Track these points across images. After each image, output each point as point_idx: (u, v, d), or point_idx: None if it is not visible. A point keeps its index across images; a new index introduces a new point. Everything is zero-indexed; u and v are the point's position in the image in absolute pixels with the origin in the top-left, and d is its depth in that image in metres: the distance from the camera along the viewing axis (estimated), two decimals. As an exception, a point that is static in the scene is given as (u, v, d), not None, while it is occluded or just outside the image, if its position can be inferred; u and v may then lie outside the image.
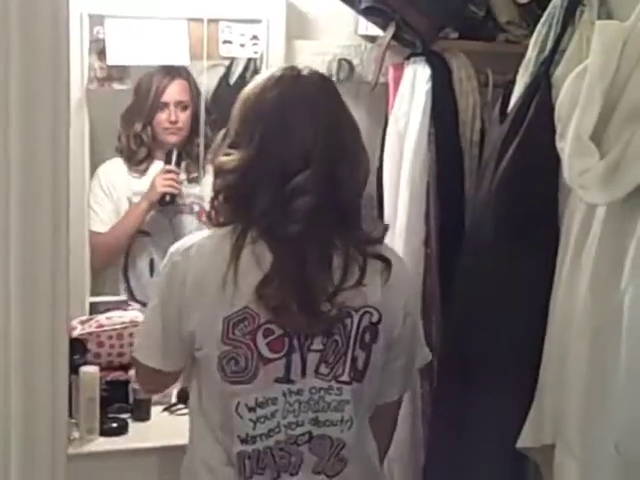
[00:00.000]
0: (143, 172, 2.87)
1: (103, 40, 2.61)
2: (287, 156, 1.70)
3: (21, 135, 1.80)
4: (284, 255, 1.69)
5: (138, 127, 2.82)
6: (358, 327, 1.75)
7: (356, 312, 1.75)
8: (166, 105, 2.81)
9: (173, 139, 2.85)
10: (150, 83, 2.80)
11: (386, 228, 1.88)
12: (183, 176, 2.87)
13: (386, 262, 1.78)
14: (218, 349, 1.72)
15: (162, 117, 2.82)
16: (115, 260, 2.87)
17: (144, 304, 2.79)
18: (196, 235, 1.83)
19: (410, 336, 1.86)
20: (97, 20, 2.60)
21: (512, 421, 1.85)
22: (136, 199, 2.85)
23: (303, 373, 1.74)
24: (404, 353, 1.87)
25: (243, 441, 1.74)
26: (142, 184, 2.85)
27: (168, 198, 2.83)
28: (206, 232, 1.81)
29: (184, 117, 2.83)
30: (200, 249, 1.76)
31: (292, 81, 1.77)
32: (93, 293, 2.74)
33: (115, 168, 2.87)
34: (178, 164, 2.84)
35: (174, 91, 2.82)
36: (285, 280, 1.68)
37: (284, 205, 1.69)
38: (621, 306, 1.57)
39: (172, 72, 2.80)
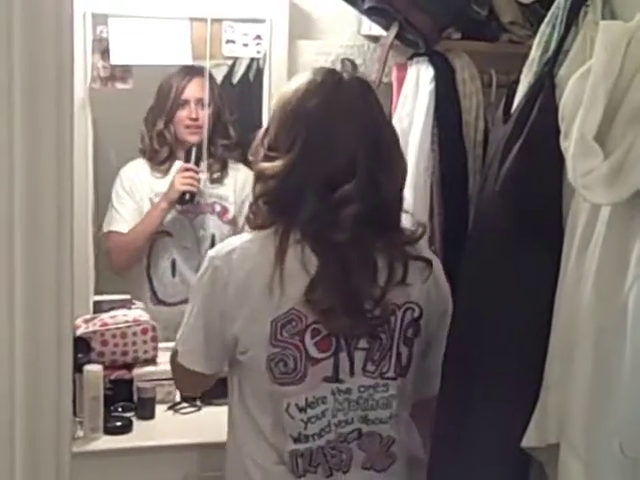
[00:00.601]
0: (165, 172, 2.89)
1: (106, 39, 2.62)
2: (332, 164, 1.73)
3: (25, 135, 1.80)
4: (330, 260, 1.73)
5: (160, 126, 2.87)
6: (402, 324, 1.82)
7: (399, 309, 1.81)
8: (187, 102, 2.83)
9: (194, 138, 2.87)
10: (170, 82, 2.83)
11: (424, 229, 1.91)
12: (204, 175, 2.88)
13: (426, 261, 1.85)
14: (266, 351, 1.75)
15: (183, 114, 2.86)
16: (137, 260, 2.89)
17: (166, 304, 2.83)
18: (236, 239, 1.84)
19: (445, 332, 1.92)
20: (100, 19, 2.61)
21: (516, 420, 1.84)
22: (158, 199, 2.86)
23: (351, 372, 1.79)
24: (440, 345, 1.92)
25: (296, 440, 1.78)
26: (164, 184, 2.86)
27: (188, 197, 2.84)
28: (246, 235, 1.83)
29: (205, 115, 2.85)
30: (242, 252, 1.77)
31: (334, 88, 1.79)
32: (117, 293, 2.76)
33: (138, 169, 2.90)
34: (197, 163, 2.85)
35: (194, 89, 2.85)
36: (332, 285, 1.72)
37: (332, 212, 1.72)
38: (625, 306, 1.57)
39: (192, 71, 2.82)
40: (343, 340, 1.77)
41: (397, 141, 1.85)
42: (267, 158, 1.79)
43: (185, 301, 2.76)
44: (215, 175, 2.91)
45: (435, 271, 1.88)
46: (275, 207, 1.79)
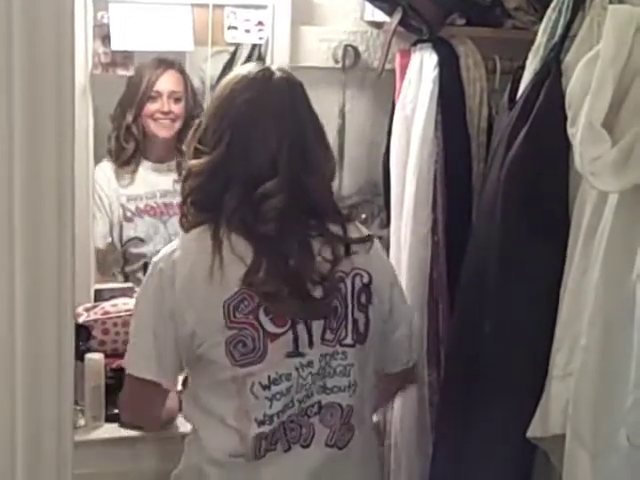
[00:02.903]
0: (132, 174, 2.83)
1: (107, 25, 2.59)
2: (255, 162, 1.78)
3: (25, 121, 1.77)
4: (263, 249, 1.76)
5: (129, 119, 2.79)
6: (353, 289, 1.83)
7: (347, 275, 1.82)
8: (159, 95, 2.78)
9: (164, 132, 2.82)
10: (142, 73, 2.77)
11: (353, 211, 2.06)
12: (174, 175, 2.83)
13: (366, 239, 1.88)
14: (223, 335, 1.74)
15: (154, 107, 2.79)
16: None
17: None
18: (175, 241, 1.86)
19: (403, 306, 1.98)
20: (101, 5, 2.58)
21: (521, 410, 1.84)
22: (130, 205, 2.83)
23: (310, 343, 1.78)
24: (403, 322, 1.97)
25: (261, 423, 1.76)
26: (132, 188, 2.82)
27: None
28: (183, 236, 1.85)
29: (177, 109, 2.80)
30: (182, 251, 1.80)
31: (262, 86, 1.82)
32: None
33: (105, 175, 2.83)
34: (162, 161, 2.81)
35: (168, 81, 2.80)
36: (272, 270, 1.74)
37: (254, 206, 1.76)
38: (633, 295, 1.56)
39: (166, 63, 2.79)
40: None
41: (323, 138, 1.88)
42: (197, 152, 1.83)
43: None
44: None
45: (375, 244, 1.92)
46: (202, 205, 1.82)
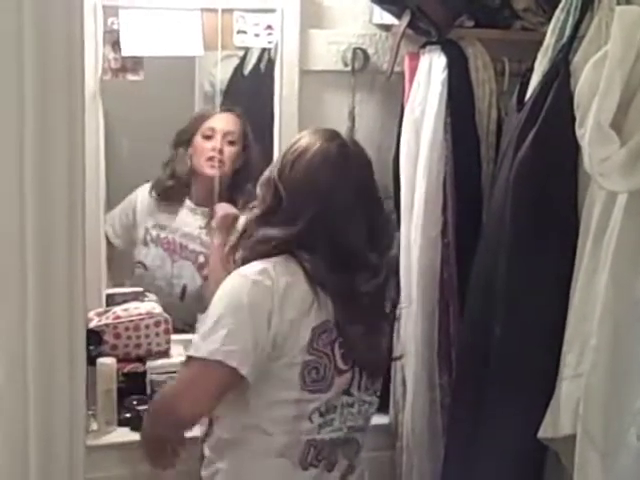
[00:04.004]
0: (170, 211, 2.82)
1: (117, 31, 2.60)
2: (346, 239, 1.86)
3: (36, 127, 1.78)
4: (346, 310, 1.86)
5: (180, 153, 2.77)
6: None
7: None
8: (213, 132, 2.76)
9: (211, 172, 2.75)
10: (200, 113, 2.77)
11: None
12: (201, 222, 2.80)
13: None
14: (302, 358, 1.82)
15: (206, 145, 2.75)
16: None
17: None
18: (254, 263, 1.86)
19: None
20: (111, 11, 2.59)
21: (532, 411, 1.84)
22: (153, 232, 2.82)
23: (359, 387, 1.92)
24: None
25: (310, 438, 1.89)
26: (166, 220, 2.82)
27: None
28: (260, 262, 1.85)
29: (230, 151, 2.76)
30: (274, 269, 1.82)
31: (343, 162, 1.88)
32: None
33: (143, 196, 2.83)
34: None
35: (224, 119, 2.77)
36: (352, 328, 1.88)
37: (351, 274, 1.86)
38: (643, 295, 1.56)
39: (225, 105, 2.76)
40: None
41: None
42: (262, 220, 1.89)
43: None
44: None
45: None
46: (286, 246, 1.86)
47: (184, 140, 2.78)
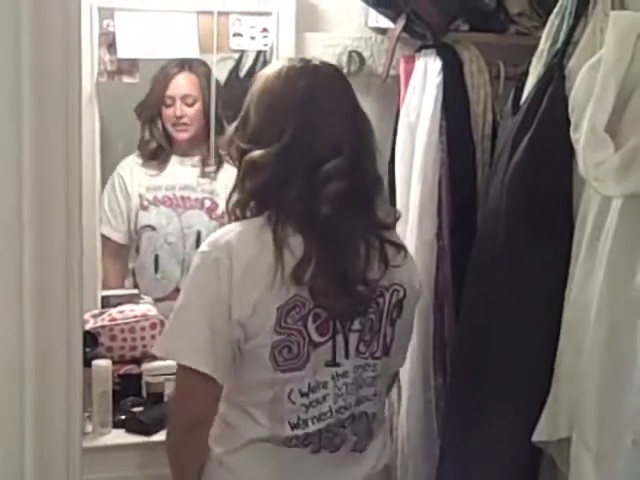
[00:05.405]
0: (159, 167, 2.85)
1: (113, 33, 2.61)
2: (320, 146, 1.75)
3: (33, 129, 1.78)
4: (315, 239, 1.73)
5: (150, 121, 2.81)
6: (389, 305, 1.83)
7: (387, 290, 1.82)
8: (172, 100, 2.79)
9: (182, 135, 2.83)
10: (160, 75, 2.78)
11: (398, 215, 1.92)
12: (196, 171, 2.85)
13: (400, 246, 1.86)
14: (270, 339, 1.74)
15: (169, 112, 2.80)
16: None
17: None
18: (226, 230, 1.80)
19: (415, 310, 1.98)
20: (107, 13, 2.60)
21: (527, 415, 1.84)
22: (149, 195, 2.84)
23: (346, 354, 1.80)
24: (413, 324, 1.98)
25: (294, 426, 1.78)
26: (155, 179, 2.84)
27: None
28: (235, 226, 1.80)
29: (191, 112, 2.80)
30: (240, 241, 1.75)
31: (314, 72, 1.80)
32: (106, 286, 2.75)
33: (128, 166, 2.86)
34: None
35: (180, 85, 2.80)
36: (320, 264, 1.72)
37: (317, 189, 1.73)
38: (637, 298, 1.57)
39: (181, 64, 2.78)
40: (339, 323, 1.78)
41: (372, 127, 1.87)
42: (246, 151, 1.79)
43: (166, 298, 2.74)
44: (208, 169, 2.86)
45: (409, 255, 1.91)
46: (266, 197, 1.78)
47: (150, 107, 2.82)
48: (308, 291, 1.73)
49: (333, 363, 1.79)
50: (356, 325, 1.80)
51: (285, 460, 1.80)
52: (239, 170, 1.83)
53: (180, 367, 1.79)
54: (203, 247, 1.79)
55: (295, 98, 1.77)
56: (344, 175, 1.74)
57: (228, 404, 1.83)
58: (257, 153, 1.76)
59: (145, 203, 2.85)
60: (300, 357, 1.76)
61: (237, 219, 1.82)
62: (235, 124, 1.84)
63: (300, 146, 1.74)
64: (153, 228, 2.85)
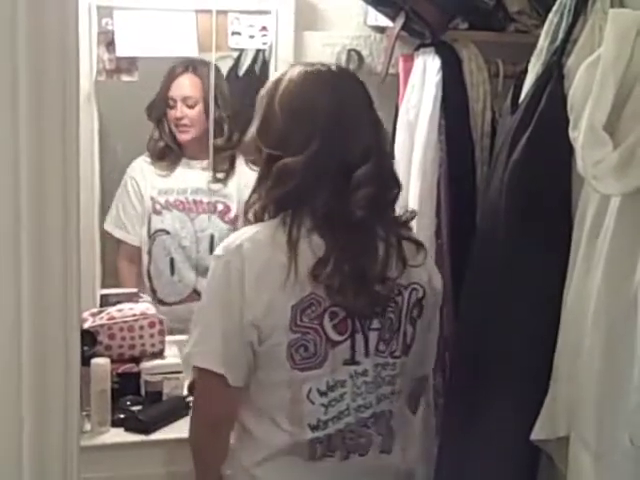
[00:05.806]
0: (169, 168, 2.85)
1: (112, 32, 2.61)
2: (350, 152, 1.77)
3: (30, 128, 1.78)
4: (337, 241, 1.75)
5: (158, 121, 2.82)
6: (408, 304, 1.85)
7: (405, 289, 1.83)
8: (174, 101, 2.79)
9: (183, 136, 2.82)
10: (166, 76, 2.79)
11: (414, 213, 1.94)
12: (206, 175, 2.84)
13: (418, 244, 1.88)
14: (286, 337, 1.75)
15: (171, 114, 2.81)
16: None
17: (165, 303, 2.81)
18: (240, 233, 1.81)
19: (437, 311, 1.99)
20: (105, 11, 2.60)
21: (525, 413, 1.84)
22: (160, 198, 2.84)
23: (366, 353, 1.81)
24: (436, 326, 2.00)
25: (314, 428, 1.79)
26: (166, 182, 2.83)
27: None
28: (249, 229, 1.81)
29: (192, 114, 2.80)
30: (252, 244, 1.76)
31: (339, 77, 1.83)
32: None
33: (139, 168, 2.86)
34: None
35: (182, 86, 2.79)
36: (338, 263, 1.73)
37: (346, 196, 1.75)
38: (636, 297, 1.57)
39: (185, 66, 2.78)
40: (358, 322, 1.79)
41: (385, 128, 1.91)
42: (276, 155, 1.78)
43: (183, 301, 2.79)
44: (220, 174, 2.85)
45: (429, 256, 1.93)
46: (291, 202, 1.78)
47: (157, 108, 2.82)
48: (324, 289, 1.74)
49: (352, 361, 1.80)
50: (375, 324, 1.81)
51: (316, 476, 1.81)
52: (264, 175, 1.83)
53: (197, 369, 1.82)
54: (217, 251, 1.82)
55: (323, 104, 1.77)
56: (373, 181, 1.76)
57: (248, 410, 1.84)
58: (288, 160, 1.76)
59: (158, 207, 2.85)
60: (317, 356, 1.77)
61: (256, 221, 1.83)
62: (255, 128, 1.84)
63: (329, 152, 1.75)
64: (167, 232, 2.85)
